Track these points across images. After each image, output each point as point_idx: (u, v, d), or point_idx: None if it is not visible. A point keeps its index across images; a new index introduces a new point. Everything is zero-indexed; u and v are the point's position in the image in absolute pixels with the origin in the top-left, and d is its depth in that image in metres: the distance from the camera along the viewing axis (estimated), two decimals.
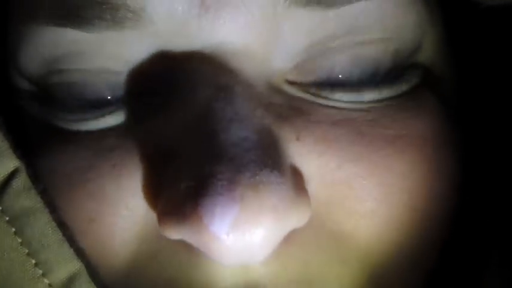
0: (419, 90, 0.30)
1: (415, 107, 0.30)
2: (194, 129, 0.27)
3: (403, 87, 0.30)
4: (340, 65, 0.29)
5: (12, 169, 0.26)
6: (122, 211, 0.28)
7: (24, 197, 0.26)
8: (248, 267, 0.26)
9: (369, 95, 0.29)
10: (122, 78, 0.29)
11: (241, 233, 0.24)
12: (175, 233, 0.26)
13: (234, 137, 0.26)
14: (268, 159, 0.26)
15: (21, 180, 0.26)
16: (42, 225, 0.26)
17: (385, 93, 0.29)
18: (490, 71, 0.32)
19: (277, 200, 0.25)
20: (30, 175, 0.27)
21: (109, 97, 0.29)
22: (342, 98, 0.29)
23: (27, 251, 0.26)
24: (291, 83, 0.29)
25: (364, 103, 0.29)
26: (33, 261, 0.26)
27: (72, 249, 0.27)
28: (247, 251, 0.25)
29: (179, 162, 0.27)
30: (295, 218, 0.26)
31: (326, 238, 0.27)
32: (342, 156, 0.28)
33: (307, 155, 0.27)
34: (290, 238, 0.26)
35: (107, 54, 0.28)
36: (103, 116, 0.29)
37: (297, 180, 0.27)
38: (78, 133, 0.29)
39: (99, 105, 0.29)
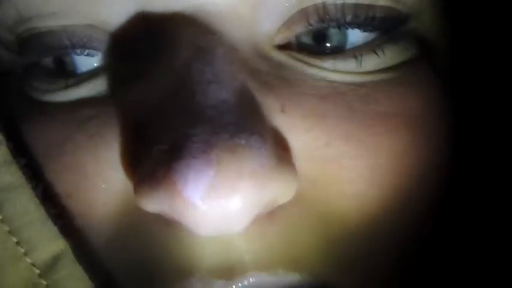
0: (417, 62, 0.29)
1: (412, 82, 0.29)
2: (173, 93, 0.26)
3: (400, 57, 0.29)
4: (332, 25, 0.28)
5: None
6: (100, 184, 0.26)
7: (4, 171, 0.25)
8: (230, 244, 0.25)
9: (366, 63, 0.28)
10: (99, 42, 0.28)
11: (216, 198, 0.23)
12: (149, 202, 0.24)
13: (212, 99, 0.25)
14: (249, 123, 0.24)
15: (1, 154, 0.25)
16: (24, 201, 0.25)
17: (381, 61, 0.28)
18: (486, 49, 0.32)
19: (257, 165, 0.23)
20: (11, 148, 0.25)
21: (86, 63, 0.28)
22: (335, 67, 0.28)
23: (7, 228, 0.25)
24: (280, 47, 0.28)
25: (357, 74, 0.28)
26: (15, 240, 0.25)
27: (56, 227, 0.25)
28: (224, 219, 0.23)
29: (156, 128, 0.25)
30: (277, 188, 0.24)
31: (314, 218, 0.26)
32: (331, 133, 0.26)
33: (293, 128, 0.26)
34: (275, 215, 0.25)
35: (83, 14, 0.27)
36: (80, 83, 0.28)
37: (281, 150, 0.25)
38: (55, 104, 0.28)
39: (76, 72, 0.28)
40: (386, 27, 0.28)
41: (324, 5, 0.27)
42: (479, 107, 0.31)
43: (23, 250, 0.25)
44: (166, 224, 0.25)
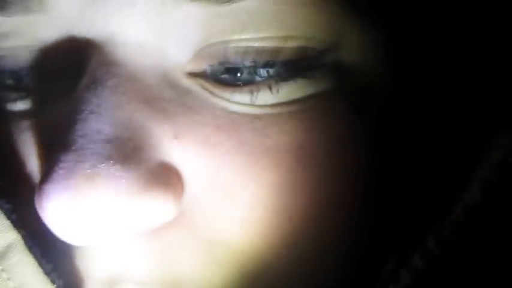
0: (328, 95, 0.29)
1: (312, 117, 0.29)
2: (64, 119, 0.28)
3: (300, 92, 0.29)
4: (238, 59, 0.28)
5: None
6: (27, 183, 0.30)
7: None
8: (115, 257, 0.28)
9: (260, 98, 0.28)
10: (36, 61, 0.30)
11: (70, 220, 0.26)
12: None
13: (87, 129, 0.26)
14: (116, 153, 0.26)
15: None
16: None
17: (274, 97, 0.29)
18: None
19: (113, 193, 0.26)
20: None
21: (25, 79, 0.30)
22: (231, 98, 0.28)
23: None
24: (191, 74, 0.29)
25: (255, 107, 0.28)
26: None
27: (9, 221, 0.29)
28: (80, 237, 0.26)
29: (47, 148, 0.29)
30: (143, 210, 0.26)
31: (199, 242, 0.28)
32: (221, 162, 0.28)
33: (183, 154, 0.28)
34: (159, 234, 0.28)
35: (24, 35, 0.29)
36: (20, 98, 0.31)
37: (159, 175, 0.27)
38: (6, 112, 0.31)
39: (17, 87, 0.30)
40: (295, 66, 0.28)
41: (226, 49, 0.28)
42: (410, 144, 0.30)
43: None
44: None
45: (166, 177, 0.27)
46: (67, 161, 0.26)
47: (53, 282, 0.28)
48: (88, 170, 0.26)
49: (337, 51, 0.29)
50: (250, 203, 0.28)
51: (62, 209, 0.26)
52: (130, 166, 0.27)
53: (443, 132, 0.30)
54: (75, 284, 0.29)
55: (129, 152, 0.27)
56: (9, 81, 0.31)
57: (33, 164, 0.30)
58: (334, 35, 0.29)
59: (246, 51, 0.28)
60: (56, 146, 0.27)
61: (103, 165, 0.26)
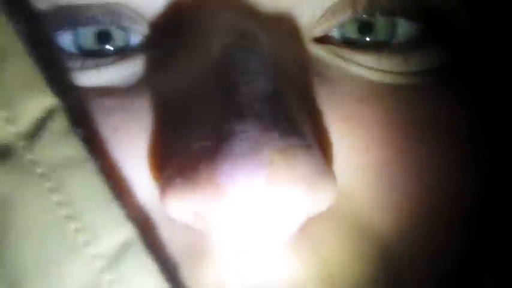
0: (454, 69, 0.27)
1: (451, 89, 0.27)
2: (211, 83, 0.23)
3: (444, 57, 0.27)
4: (380, 13, 0.26)
5: (48, 107, 0.20)
6: (124, 187, 0.23)
7: (64, 143, 0.20)
8: (263, 261, 0.23)
9: (412, 59, 0.26)
10: (129, 21, 0.25)
11: (268, 206, 0.20)
12: (181, 206, 0.21)
13: (259, 91, 0.22)
14: (299, 122, 0.22)
15: (60, 122, 0.21)
16: (88, 179, 0.21)
17: (428, 59, 0.26)
18: None
19: (310, 168, 0.21)
20: (70, 116, 0.21)
21: (114, 45, 0.25)
22: (379, 63, 0.26)
23: (65, 212, 0.20)
24: (318, 41, 0.26)
25: (399, 75, 0.26)
26: (73, 226, 0.21)
27: (124, 211, 0.21)
28: (271, 229, 0.21)
29: (192, 121, 0.22)
30: (325, 194, 0.22)
31: (347, 232, 0.24)
32: (369, 139, 0.25)
33: (330, 132, 0.24)
34: (307, 230, 0.23)
35: None
36: (100, 65, 0.25)
37: (324, 152, 0.23)
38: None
39: (95, 53, 0.25)
40: (432, 22, 0.26)
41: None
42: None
43: (82, 239, 0.21)
44: (195, 240, 0.23)
45: (329, 153, 0.24)
46: (250, 130, 0.20)
47: None
48: (280, 140, 0.20)
49: (461, 21, 0.27)
50: (402, 185, 0.25)
51: (255, 192, 0.20)
52: (313, 137, 0.22)
53: None
54: None
55: (304, 121, 0.23)
56: (91, 44, 0.25)
57: (137, 150, 0.23)
58: (458, 3, 0.27)
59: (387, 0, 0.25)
60: (215, 115, 0.21)
61: (294, 133, 0.21)
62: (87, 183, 0.20)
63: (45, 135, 0.20)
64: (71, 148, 0.20)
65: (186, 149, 0.21)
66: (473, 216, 0.27)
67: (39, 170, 0.20)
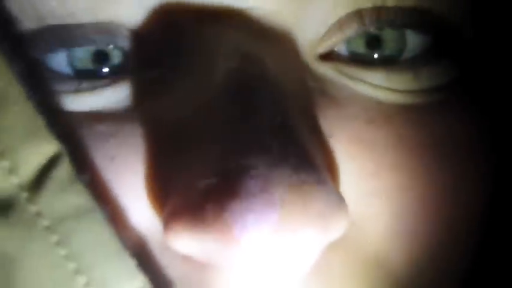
0: (464, 82, 0.26)
1: (462, 105, 0.26)
2: (214, 112, 0.22)
3: (452, 72, 0.26)
4: (387, 26, 0.25)
5: (51, 154, 0.19)
6: (123, 216, 0.22)
7: (70, 192, 0.19)
8: None
9: (423, 75, 0.25)
10: (118, 41, 0.24)
11: (279, 247, 0.19)
12: (186, 244, 0.20)
13: (267, 122, 0.21)
14: (310, 151, 0.21)
15: (65, 170, 0.19)
16: (97, 230, 0.19)
17: (438, 74, 0.25)
18: None
19: (323, 206, 0.20)
20: (73, 162, 0.20)
21: (103, 66, 0.24)
22: (388, 80, 0.25)
23: (74, 266, 0.19)
24: (323, 58, 0.25)
25: (408, 93, 0.25)
26: (83, 281, 0.19)
27: (134, 261, 0.20)
28: (283, 271, 0.20)
29: (195, 153, 0.21)
30: (339, 228, 0.21)
31: (358, 260, 0.23)
32: (380, 163, 0.24)
33: (339, 156, 0.23)
34: (317, 261, 0.22)
35: (100, 12, 0.23)
36: (95, 89, 0.24)
37: (333, 179, 0.22)
38: (71, 113, 0.23)
39: (91, 76, 0.24)
40: (440, 34, 0.26)
41: (382, 6, 0.24)
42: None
43: None
44: (199, 271, 0.21)
45: (338, 182, 0.23)
46: (260, 166, 0.19)
47: None
48: (292, 177, 0.19)
49: (468, 31, 0.26)
50: (414, 210, 0.24)
51: (266, 234, 0.19)
52: (325, 171, 0.21)
53: None
54: None
55: (316, 152, 0.22)
56: (86, 64, 0.24)
57: (135, 180, 0.22)
58: (465, 14, 0.26)
59: (400, 9, 0.24)
60: (220, 148, 0.20)
61: (306, 168, 0.20)
62: (95, 234, 0.19)
63: (49, 185, 0.19)
64: (77, 197, 0.19)
65: (189, 185, 0.20)
66: (482, 236, 0.26)
67: (44, 223, 0.19)
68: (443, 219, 0.24)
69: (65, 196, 0.19)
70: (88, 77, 0.24)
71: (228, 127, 0.21)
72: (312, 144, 0.22)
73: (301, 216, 0.19)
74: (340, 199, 0.21)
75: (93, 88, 0.24)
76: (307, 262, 0.21)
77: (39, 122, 0.19)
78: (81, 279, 0.19)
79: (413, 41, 0.25)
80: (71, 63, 0.24)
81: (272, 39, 0.23)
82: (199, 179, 0.20)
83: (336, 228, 0.21)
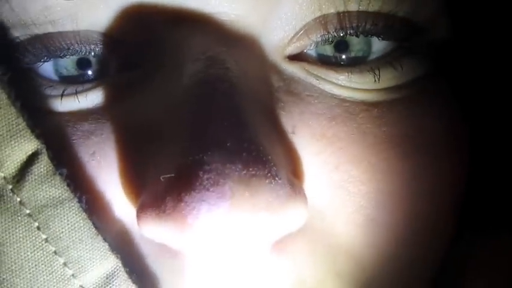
0: (432, 78, 0.27)
1: (428, 101, 0.27)
2: (180, 109, 0.23)
3: (416, 71, 0.27)
4: (350, 33, 0.26)
5: (31, 151, 0.22)
6: (105, 207, 0.24)
7: (48, 184, 0.22)
8: (239, 283, 0.23)
9: (383, 76, 0.26)
10: (94, 47, 0.25)
11: (230, 235, 0.21)
12: (153, 231, 0.22)
13: (225, 121, 0.22)
14: (263, 150, 0.22)
15: (44, 165, 0.22)
16: (72, 216, 0.22)
17: (398, 75, 0.26)
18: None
19: (272, 197, 0.21)
20: (52, 158, 0.22)
21: (82, 71, 0.26)
22: (350, 81, 0.26)
23: (53, 248, 0.22)
24: (291, 58, 0.26)
25: (371, 92, 0.26)
26: (62, 261, 0.22)
27: (107, 244, 0.23)
28: (237, 255, 0.22)
29: (161, 149, 0.23)
30: (291, 217, 0.23)
31: (321, 249, 0.25)
32: (341, 157, 0.25)
33: (302, 150, 0.24)
34: (282, 248, 0.24)
35: (80, 19, 0.25)
36: (78, 93, 0.25)
37: (293, 176, 0.24)
38: (57, 114, 0.25)
39: (74, 80, 0.26)
40: (405, 37, 0.26)
41: (345, 12, 0.25)
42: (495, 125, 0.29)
43: (71, 272, 0.22)
44: (172, 256, 0.23)
45: (299, 175, 0.24)
46: (213, 162, 0.21)
47: None
48: (243, 172, 0.21)
49: (434, 31, 0.27)
50: (375, 201, 0.25)
51: (217, 223, 0.21)
52: (281, 165, 0.22)
53: None
54: None
55: (272, 148, 0.23)
56: (70, 71, 0.26)
57: (113, 173, 0.24)
58: (431, 14, 0.27)
59: (364, 15, 0.25)
60: (181, 144, 0.22)
61: (257, 164, 0.21)
62: (71, 220, 0.22)
63: (29, 178, 0.22)
64: (54, 188, 0.22)
65: (156, 180, 0.22)
66: (450, 226, 0.27)
67: (26, 211, 0.22)
68: (407, 209, 0.25)
69: (44, 187, 0.22)
70: (72, 82, 0.26)
71: (190, 125, 0.22)
72: (270, 140, 0.23)
73: (248, 206, 0.21)
74: (292, 191, 0.22)
75: (76, 92, 0.25)
76: (260, 245, 0.22)
77: (21, 123, 0.22)
78: (60, 260, 0.22)
79: (378, 44, 0.26)
80: (56, 71, 0.26)
81: (238, 42, 0.24)
82: (163, 174, 0.22)
83: (288, 216, 0.22)
